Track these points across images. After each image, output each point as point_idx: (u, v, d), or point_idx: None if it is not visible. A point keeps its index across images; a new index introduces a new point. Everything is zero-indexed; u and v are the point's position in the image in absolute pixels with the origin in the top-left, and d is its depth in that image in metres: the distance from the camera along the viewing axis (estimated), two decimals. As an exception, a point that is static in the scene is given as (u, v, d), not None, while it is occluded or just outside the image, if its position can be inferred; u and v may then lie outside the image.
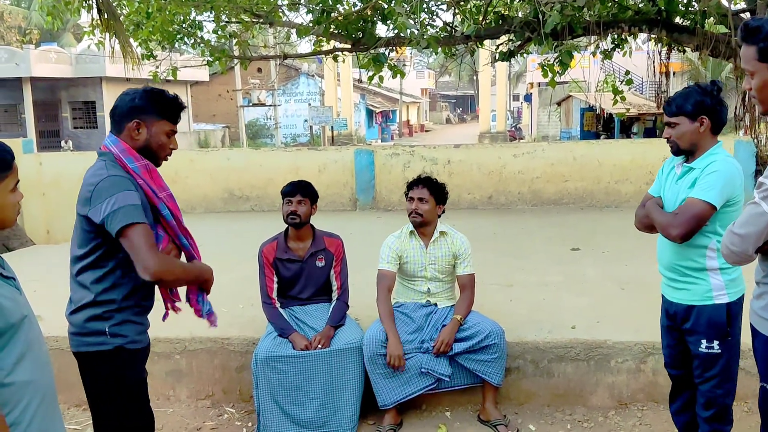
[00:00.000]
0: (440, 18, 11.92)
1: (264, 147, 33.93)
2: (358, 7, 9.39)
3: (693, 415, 3.11)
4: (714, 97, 2.86)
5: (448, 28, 11.60)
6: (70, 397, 4.36)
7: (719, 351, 2.87)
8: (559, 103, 31.19)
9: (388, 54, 10.56)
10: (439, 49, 12.53)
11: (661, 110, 3.08)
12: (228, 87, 37.61)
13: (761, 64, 2.17)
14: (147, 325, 2.76)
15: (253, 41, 15.52)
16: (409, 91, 56.38)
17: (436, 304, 4.07)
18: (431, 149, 9.56)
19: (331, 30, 10.78)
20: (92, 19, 11.08)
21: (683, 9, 7.77)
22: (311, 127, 28.29)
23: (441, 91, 76.46)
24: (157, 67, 12.04)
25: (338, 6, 9.10)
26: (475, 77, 53.71)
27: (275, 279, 4.12)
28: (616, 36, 8.84)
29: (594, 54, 8.89)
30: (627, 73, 9.00)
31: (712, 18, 7.26)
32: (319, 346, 3.87)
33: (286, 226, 4.11)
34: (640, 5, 8.04)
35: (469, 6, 9.35)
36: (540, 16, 7.30)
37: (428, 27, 11.84)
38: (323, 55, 15.95)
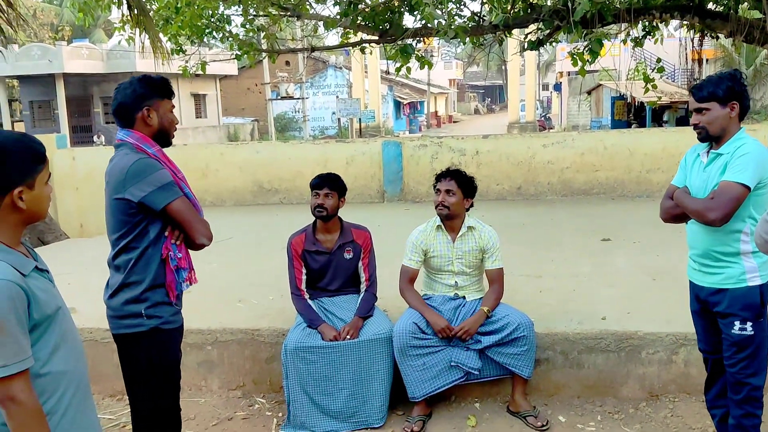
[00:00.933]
0: (467, 8, 11.83)
1: (292, 140, 34.15)
2: (385, -2, 9.34)
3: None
4: (742, 83, 2.87)
5: (476, 18, 11.53)
6: (105, 387, 4.45)
7: (752, 332, 2.88)
8: (589, 92, 30.83)
9: (416, 45, 10.53)
10: (467, 39, 12.47)
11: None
12: (257, 81, 37.82)
13: None
14: (180, 307, 2.88)
15: (281, 34, 15.61)
16: (437, 82, 56.16)
17: (464, 297, 4.06)
18: (459, 140, 9.52)
19: (358, 22, 10.78)
20: (122, 15, 11.21)
21: (716, -6, 7.62)
22: (339, 119, 28.33)
23: (469, 82, 76.04)
24: (187, 62, 12.16)
25: (365, -3, 9.07)
26: (503, 67, 53.33)
27: (304, 271, 4.15)
28: (647, 23, 8.70)
29: (624, 42, 8.77)
30: (658, 60, 8.86)
31: (746, 3, 7.11)
32: (348, 337, 3.89)
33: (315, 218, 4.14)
34: (672, -9, 7.90)
35: (497, -5, 9.26)
36: (569, 4, 7.21)
37: (456, 17, 11.78)
38: (350, 48, 15.98)
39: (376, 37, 11.66)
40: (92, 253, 6.69)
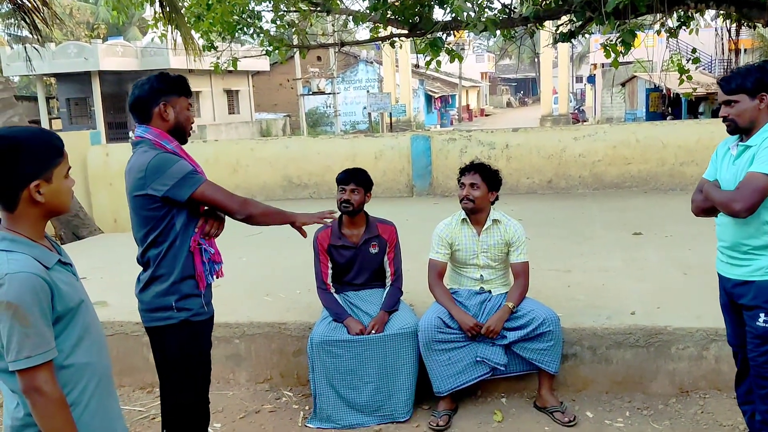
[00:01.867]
0: (498, 0, 11.72)
1: (324, 135, 34.27)
2: (415, -9, 9.31)
3: None
4: None
5: (507, 10, 11.43)
6: (135, 379, 4.52)
7: None
8: (623, 84, 30.39)
9: (445, 38, 10.48)
10: (498, 31, 12.35)
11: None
12: (289, 76, 38.00)
13: None
14: (209, 299, 2.93)
15: (312, 29, 15.65)
16: (469, 75, 55.84)
17: (490, 291, 4.03)
18: (489, 133, 9.45)
19: (388, 16, 10.77)
20: (155, 13, 11.35)
21: (753, -18, 7.43)
22: (369, 114, 28.34)
23: (501, 75, 75.44)
24: (218, 58, 12.27)
25: (395, -9, 9.06)
26: (536, 59, 52.81)
27: (330, 265, 4.16)
28: (681, 13, 8.54)
29: (659, 32, 8.61)
30: (693, 51, 8.68)
31: (783, -9, 6.93)
32: (373, 331, 3.89)
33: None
34: (706, -20, 7.73)
35: (529, -14, 9.16)
36: (601, -5, 7.10)
37: (486, 9, 11.69)
38: (380, 42, 15.94)
39: (406, 31, 11.64)
40: (125, 247, 6.77)
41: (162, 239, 2.74)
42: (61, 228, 8.61)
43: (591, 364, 4.04)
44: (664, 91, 21.44)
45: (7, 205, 1.95)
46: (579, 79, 58.79)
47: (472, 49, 60.81)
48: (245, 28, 12.10)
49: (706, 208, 3.03)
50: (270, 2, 12.50)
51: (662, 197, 8.67)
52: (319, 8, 12.39)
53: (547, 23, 10.52)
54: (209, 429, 3.13)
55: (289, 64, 34.63)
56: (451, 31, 9.88)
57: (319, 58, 39.84)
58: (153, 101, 2.80)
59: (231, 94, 37.21)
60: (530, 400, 4.00)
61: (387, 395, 3.89)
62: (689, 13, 8.46)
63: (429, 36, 10.35)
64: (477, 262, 4.03)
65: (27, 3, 11.39)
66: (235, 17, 11.75)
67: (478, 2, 9.98)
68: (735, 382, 3.22)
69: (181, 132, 2.88)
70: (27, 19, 11.96)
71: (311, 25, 17.48)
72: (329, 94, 33.98)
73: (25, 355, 1.85)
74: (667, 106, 22.51)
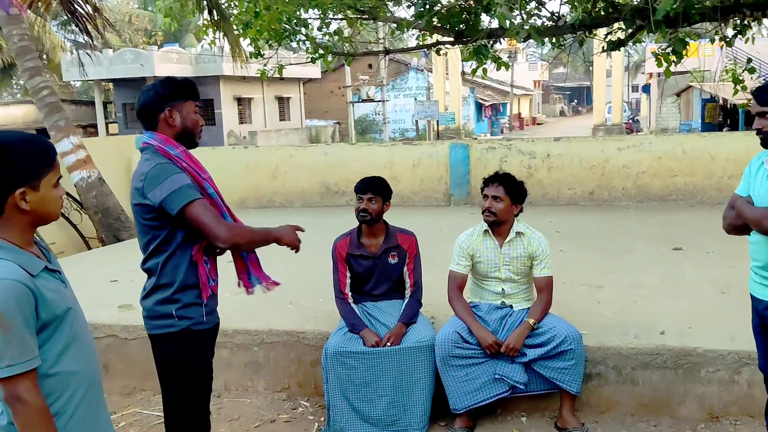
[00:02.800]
0: (545, 8, 11.52)
1: (372, 142, 34.33)
2: (461, -1, 9.22)
3: None
4: None
5: (554, 18, 11.22)
6: (156, 384, 4.52)
7: None
8: (678, 94, 29.62)
9: (491, 46, 10.35)
10: (546, 39, 12.14)
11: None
12: (339, 84, 38.24)
13: None
14: (213, 307, 2.88)
15: (363, 37, 15.69)
16: (521, 83, 55.31)
17: (511, 306, 3.91)
18: (529, 142, 9.28)
19: (434, 23, 10.70)
20: (204, 20, 11.53)
21: (812, -10, 7.11)
22: (416, 122, 28.27)
23: (555, 83, 74.49)
24: (265, 65, 12.40)
25: (441, -1, 8.99)
26: (590, 68, 52.01)
27: (348, 275, 4.11)
28: (738, 21, 8.24)
29: (712, 41, 8.31)
30: (749, 61, 8.35)
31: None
32: (389, 343, 3.81)
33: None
34: (763, -12, 7.43)
35: (578, -7, 8.98)
36: (651, 3, 6.89)
37: (534, 17, 11.51)
38: (426, 49, 15.86)
39: (452, 39, 11.56)
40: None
41: (163, 248, 2.71)
42: (103, 231, 8.79)
43: (616, 384, 3.87)
44: (721, 101, 20.80)
45: None
46: (634, 89, 57.65)
47: (525, 57, 60.25)
48: (291, 36, 12.20)
49: (738, 226, 2.87)
50: (318, 10, 12.57)
51: (708, 211, 8.35)
52: (365, 16, 12.41)
53: (602, 31, 10.32)
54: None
55: (341, 71, 34.86)
56: (498, 39, 9.77)
57: (370, 66, 39.98)
58: (158, 107, 2.76)
59: (282, 101, 37.63)
60: (551, 420, 3.86)
61: (402, 409, 3.80)
62: (745, 22, 8.16)
63: (474, 44, 10.26)
64: (499, 275, 3.92)
65: (80, 9, 11.71)
66: (282, 25, 11.86)
67: (528, 10, 9.84)
68: (765, 409, 3.04)
69: (189, 137, 2.85)
70: (80, 26, 12.30)
71: (359, 32, 17.55)
72: (378, 101, 34.03)
73: (6, 363, 1.83)
74: (724, 117, 21.82)
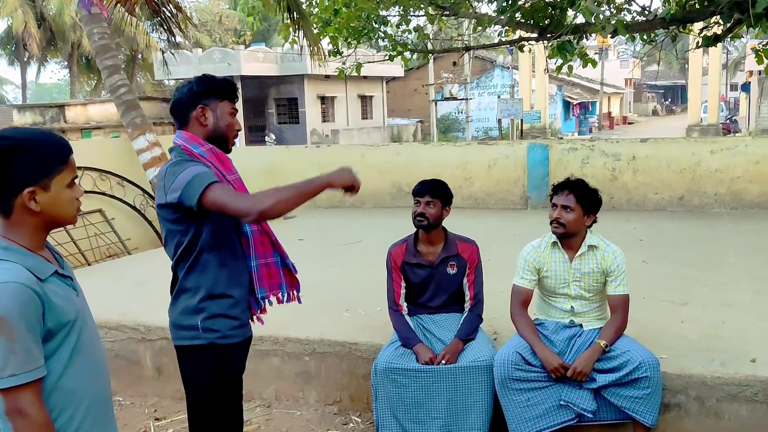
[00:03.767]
0: (636, 2, 10.89)
1: (455, 141, 33.93)
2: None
3: None
4: None
5: (645, 12, 10.59)
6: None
7: None
8: (782, 92, 27.78)
9: (577, 42, 9.86)
10: (637, 35, 11.50)
11: None
12: (423, 82, 38.03)
13: None
14: (244, 320, 2.67)
15: (448, 34, 15.39)
16: (612, 81, 53.45)
17: (581, 326, 3.55)
18: (614, 143, 8.74)
19: (517, 19, 10.30)
20: (283, 19, 11.52)
21: None
22: (499, 120, 27.67)
23: (647, 81, 71.70)
24: (343, 63, 12.30)
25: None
26: (686, 65, 49.71)
27: (403, 284, 3.84)
28: None
29: (818, 36, 7.58)
30: None
31: None
32: (443, 361, 3.53)
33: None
34: None
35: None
36: (750, -5, 6.31)
37: (625, 11, 10.92)
38: (508, 46, 15.40)
39: (536, 35, 11.10)
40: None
41: (190, 252, 2.54)
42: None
43: (697, 417, 3.44)
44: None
45: (3, 211, 1.81)
46: (733, 87, 54.79)
47: (616, 54, 58.29)
48: (370, 34, 12.04)
49: None
50: (396, 7, 12.37)
51: (813, 221, 7.62)
52: (446, 12, 12.11)
53: (692, 26, 9.65)
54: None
55: (424, 69, 34.65)
56: (584, 35, 9.29)
57: (454, 64, 39.51)
58: (191, 105, 2.60)
59: (365, 100, 37.72)
60: (623, 454, 3.47)
61: (456, 433, 3.51)
62: None
63: (559, 40, 9.79)
64: (568, 292, 3.56)
65: (164, 9, 11.91)
66: (361, 23, 11.72)
67: (615, 4, 9.33)
68: None
69: (221, 139, 2.66)
70: (165, 25, 12.52)
71: (441, 29, 17.27)
72: (461, 99, 33.57)
73: (9, 372, 1.68)
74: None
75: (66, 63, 41.70)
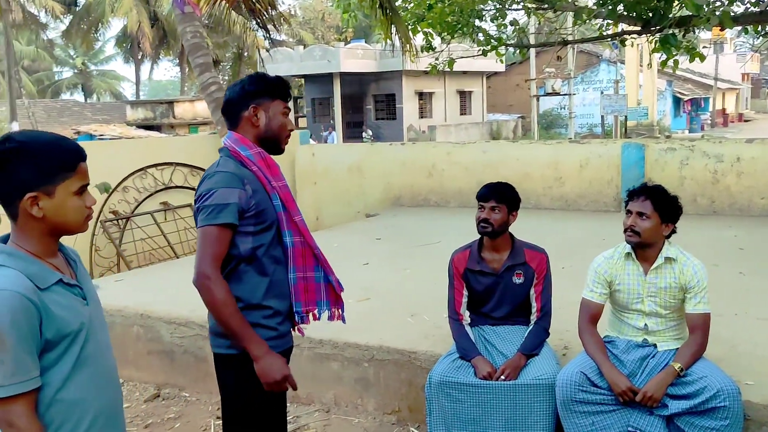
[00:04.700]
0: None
1: (558, 137, 33.01)
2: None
3: None
4: None
5: (758, 3, 9.84)
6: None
7: None
8: None
9: (683, 35, 9.29)
10: (750, 27, 10.73)
11: None
12: (525, 76, 37.25)
13: None
14: (282, 331, 2.58)
15: (550, 27, 14.93)
16: (727, 75, 50.47)
17: (655, 345, 3.24)
18: (716, 144, 8.12)
19: (619, 11, 9.81)
20: (376, 15, 11.49)
21: None
22: (602, 117, 26.64)
23: (767, 76, 67.27)
24: (437, 59, 12.13)
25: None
26: (812, 58, 46.22)
27: (465, 293, 3.65)
28: None
29: None
30: None
31: None
32: (503, 376, 3.31)
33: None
34: None
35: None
36: None
37: (737, 2, 10.20)
38: (609, 39, 14.73)
39: (638, 28, 10.55)
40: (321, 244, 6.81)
41: (226, 262, 2.45)
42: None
43: (788, 455, 3.08)
44: None
45: (10, 215, 1.79)
46: None
47: (732, 48, 55.05)
48: (464, 28, 11.82)
49: None
50: (494, 1, 12.08)
51: None
52: (545, 5, 11.71)
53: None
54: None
55: (526, 64, 33.89)
56: (690, 27, 8.74)
57: (559, 58, 38.37)
58: (243, 104, 2.53)
59: (464, 95, 37.34)
60: (699, 489, 3.14)
61: (515, 455, 3.29)
62: None
63: (662, 33, 9.26)
64: (641, 308, 3.27)
65: (258, 7, 12.14)
66: (455, 17, 11.52)
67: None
68: None
69: (273, 141, 2.57)
70: (259, 22, 12.77)
71: (540, 23, 16.74)
72: (564, 95, 32.59)
73: None
74: None
75: (177, 61, 43.59)
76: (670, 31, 8.82)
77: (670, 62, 8.88)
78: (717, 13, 7.76)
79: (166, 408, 4.52)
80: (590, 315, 3.33)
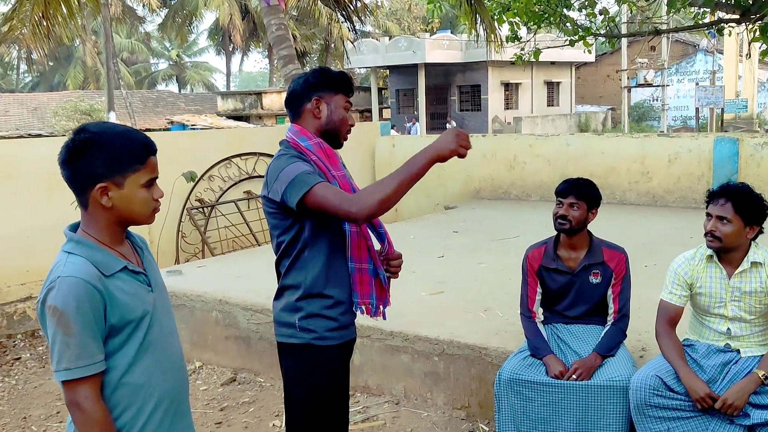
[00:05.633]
0: None
1: (649, 130, 31.85)
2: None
3: None
4: None
5: None
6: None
7: None
8: None
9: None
10: None
11: None
12: (617, 67, 36.11)
13: None
14: (344, 322, 2.58)
15: (644, 16, 14.42)
16: (838, 66, 47.30)
17: (738, 351, 3.09)
18: (820, 139, 7.65)
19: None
20: (461, 5, 11.41)
21: None
22: (696, 109, 25.50)
23: None
24: (522, 50, 11.92)
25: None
26: None
27: (539, 290, 3.57)
28: None
29: None
30: None
31: None
32: (575, 376, 3.23)
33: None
34: None
35: None
36: None
37: None
38: (706, 28, 14.05)
39: (737, 16, 10.05)
40: (393, 236, 6.83)
41: (291, 248, 2.50)
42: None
43: None
44: None
45: (81, 203, 1.87)
46: None
47: None
48: (551, 18, 11.56)
49: None
50: (581, -11, 11.75)
51: None
52: (634, -8, 11.31)
53: None
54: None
55: (617, 54, 32.83)
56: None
57: (653, 48, 37.07)
58: (305, 96, 2.56)
59: (551, 86, 36.53)
60: (783, 504, 2.98)
61: (586, 457, 3.21)
62: None
63: (762, 21, 8.83)
64: (724, 312, 3.11)
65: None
66: (541, 6, 11.30)
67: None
68: None
69: (334, 134, 2.60)
70: (344, 14, 12.88)
71: (633, 11, 16.18)
72: (657, 86, 31.39)
73: (64, 366, 1.74)
74: None
75: (266, 52, 44.56)
76: (772, 20, 8.38)
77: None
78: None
79: (242, 392, 4.64)
80: (668, 318, 3.20)
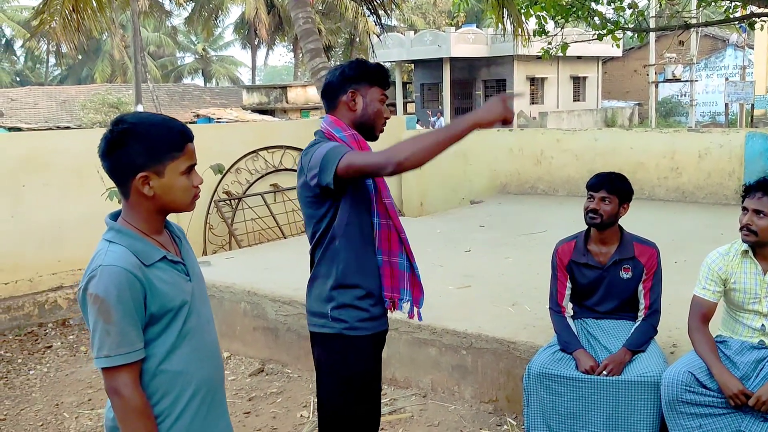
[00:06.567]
0: None
1: (677, 126, 31.45)
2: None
3: None
4: None
5: None
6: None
7: None
8: None
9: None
10: None
11: None
12: (644, 62, 35.68)
13: None
14: (375, 313, 2.59)
15: (673, 10, 14.26)
16: None
17: (772, 348, 3.05)
18: None
19: (748, -8, 9.27)
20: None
21: None
22: (726, 105, 25.13)
23: None
24: (549, 44, 11.83)
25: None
26: None
27: (568, 285, 3.55)
28: None
29: None
30: None
31: None
32: (605, 372, 3.21)
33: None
34: None
35: None
36: None
37: None
38: (735, 23, 13.84)
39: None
40: (419, 230, 6.83)
41: (323, 238, 2.52)
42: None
43: None
44: None
45: (123, 193, 1.89)
46: None
47: None
48: (579, 12, 11.46)
49: None
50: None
51: None
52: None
53: None
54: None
55: (645, 49, 32.44)
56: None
57: (681, 43, 36.48)
58: (341, 88, 2.57)
59: (577, 81, 36.22)
60: (818, 504, 2.94)
61: (616, 453, 3.19)
62: None
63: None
64: (759, 309, 3.07)
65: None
66: (569, 0, 11.21)
67: None
68: None
69: (368, 127, 2.60)
70: (370, 8, 12.87)
71: (662, 5, 15.99)
72: (686, 81, 30.97)
73: (104, 353, 1.77)
74: None
75: (291, 47, 44.65)
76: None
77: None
78: None
79: (269, 383, 4.68)
80: (701, 314, 3.17)
